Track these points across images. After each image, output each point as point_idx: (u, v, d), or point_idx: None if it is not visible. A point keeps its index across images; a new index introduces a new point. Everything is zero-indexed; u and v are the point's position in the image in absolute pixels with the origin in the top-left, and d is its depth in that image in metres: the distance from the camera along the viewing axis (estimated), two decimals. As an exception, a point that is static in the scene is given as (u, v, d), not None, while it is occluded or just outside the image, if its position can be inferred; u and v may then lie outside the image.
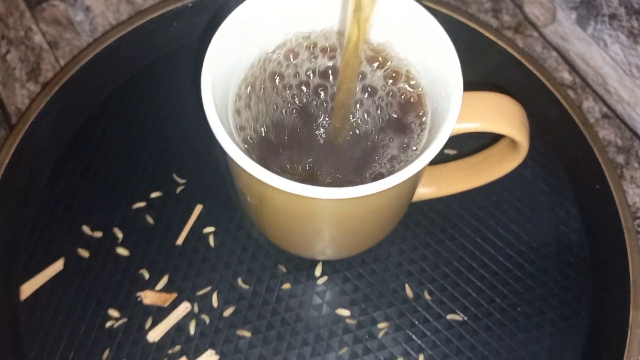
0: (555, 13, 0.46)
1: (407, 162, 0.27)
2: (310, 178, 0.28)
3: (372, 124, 0.30)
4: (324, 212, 0.27)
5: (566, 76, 0.44)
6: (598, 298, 0.36)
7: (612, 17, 0.46)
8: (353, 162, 0.28)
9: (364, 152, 0.29)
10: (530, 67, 0.41)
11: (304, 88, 0.30)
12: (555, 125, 0.40)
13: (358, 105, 0.30)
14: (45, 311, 0.35)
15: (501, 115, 0.29)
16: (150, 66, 0.43)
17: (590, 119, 0.42)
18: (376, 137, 0.29)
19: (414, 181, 0.29)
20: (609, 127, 0.42)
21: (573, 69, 0.44)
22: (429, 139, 0.28)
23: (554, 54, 0.44)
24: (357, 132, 0.29)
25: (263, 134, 0.29)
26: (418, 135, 0.30)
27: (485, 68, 0.43)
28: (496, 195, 0.39)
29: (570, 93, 0.43)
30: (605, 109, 0.43)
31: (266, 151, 0.28)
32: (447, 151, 0.40)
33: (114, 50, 0.42)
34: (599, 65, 0.44)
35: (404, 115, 0.30)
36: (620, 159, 0.41)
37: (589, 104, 0.43)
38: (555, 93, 0.40)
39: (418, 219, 0.38)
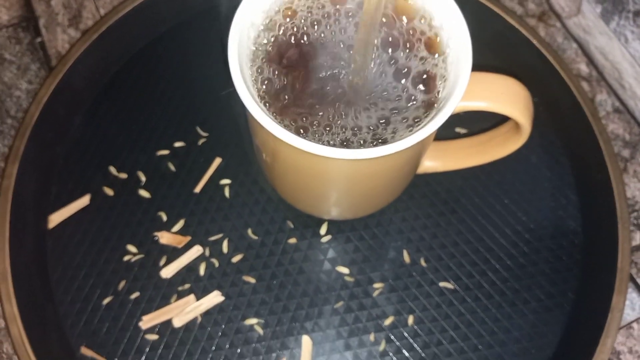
0: (581, 5, 0.47)
1: (416, 130, 0.29)
2: (323, 131, 0.30)
3: (389, 85, 0.31)
4: (328, 170, 0.30)
5: (583, 68, 0.45)
6: (585, 281, 0.38)
7: (637, 14, 0.47)
8: (366, 120, 0.30)
9: (377, 111, 0.30)
10: (548, 56, 0.42)
11: (328, 40, 0.31)
12: (566, 114, 0.42)
13: (378, 64, 0.31)
14: (70, 240, 0.38)
15: (508, 97, 0.31)
16: (185, 22, 0.45)
17: (602, 111, 0.44)
18: (392, 99, 0.31)
19: (416, 151, 0.31)
20: (619, 122, 0.43)
21: (591, 61, 0.45)
22: (438, 111, 0.30)
23: (574, 45, 0.46)
24: (373, 91, 0.31)
25: (281, 86, 0.30)
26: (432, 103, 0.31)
27: (505, 52, 0.44)
28: (500, 175, 0.41)
29: (585, 85, 0.44)
30: (617, 104, 0.44)
31: (282, 102, 0.30)
32: (458, 129, 0.42)
33: (152, 4, 0.45)
34: (618, 60, 0.45)
35: (423, 83, 0.31)
36: (626, 153, 0.43)
37: (602, 97, 0.44)
38: (569, 83, 0.42)
39: (423, 191, 0.40)
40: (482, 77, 0.31)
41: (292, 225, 0.39)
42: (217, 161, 0.41)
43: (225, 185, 0.40)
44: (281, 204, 0.40)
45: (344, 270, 0.38)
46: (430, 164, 0.37)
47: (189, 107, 0.43)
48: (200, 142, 0.41)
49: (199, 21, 0.46)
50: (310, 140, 0.27)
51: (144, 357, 0.36)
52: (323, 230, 0.39)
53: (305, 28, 0.32)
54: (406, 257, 0.38)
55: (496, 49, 0.44)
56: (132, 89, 0.43)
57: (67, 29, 0.46)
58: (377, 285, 0.38)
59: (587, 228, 0.39)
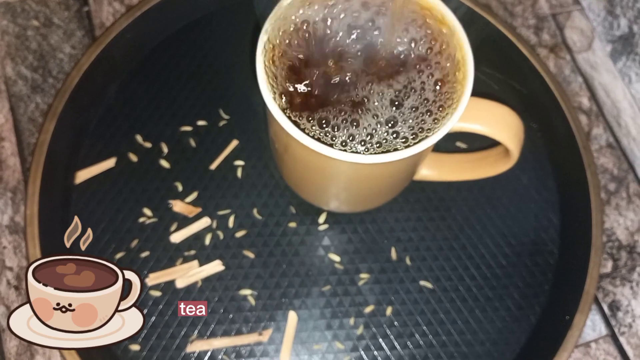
0: (593, 42, 0.50)
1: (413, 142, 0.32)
2: (332, 128, 0.33)
3: (400, 93, 0.34)
4: (330, 167, 0.33)
5: (585, 102, 0.48)
6: (553, 298, 0.41)
7: (644, 57, 0.49)
8: (374, 123, 0.33)
9: (384, 115, 0.33)
10: (552, 87, 0.45)
11: (350, 37, 0.34)
12: (560, 142, 0.45)
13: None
14: (93, 197, 0.42)
15: (501, 124, 0.34)
16: (222, 9, 0.49)
17: (596, 145, 0.47)
18: (400, 107, 0.34)
19: (412, 162, 0.35)
20: (610, 156, 0.46)
21: (593, 96, 0.48)
22: (436, 129, 0.33)
23: (580, 79, 0.49)
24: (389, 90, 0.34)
25: (300, 80, 0.33)
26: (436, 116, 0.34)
27: (513, 78, 0.47)
28: (491, 190, 0.44)
29: (584, 118, 0.47)
30: (611, 139, 0.47)
31: (298, 97, 0.33)
32: (458, 143, 0.45)
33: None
34: (619, 99, 0.48)
35: (430, 97, 0.34)
36: (612, 186, 0.46)
37: (598, 131, 0.47)
38: (567, 115, 0.45)
39: (418, 196, 0.44)
40: (481, 103, 0.34)
41: (294, 211, 0.43)
42: (234, 143, 0.44)
43: (238, 166, 0.44)
44: (287, 191, 0.43)
45: (335, 258, 0.42)
46: (426, 173, 0.40)
47: (215, 90, 0.46)
48: (221, 123, 0.45)
49: (236, 10, 0.49)
50: (319, 134, 0.30)
51: (146, 310, 0.40)
52: (322, 219, 0.43)
53: (329, 25, 0.35)
54: (393, 254, 0.42)
55: (506, 73, 0.47)
56: (166, 66, 0.47)
57: (112, 1, 0.49)
58: (363, 275, 0.41)
59: (563, 250, 0.43)
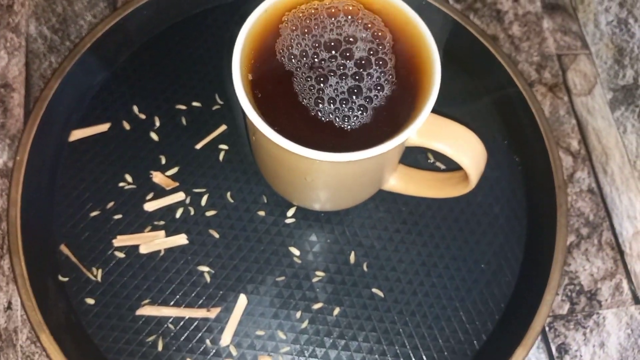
0: (594, 88, 0.50)
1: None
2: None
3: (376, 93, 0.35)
4: (295, 163, 0.34)
5: (574, 144, 0.48)
6: (500, 328, 0.42)
7: (644, 110, 0.49)
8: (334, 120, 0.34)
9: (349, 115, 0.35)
10: (540, 125, 0.46)
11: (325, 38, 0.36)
12: (538, 179, 0.45)
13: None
14: (83, 156, 0.45)
15: (465, 149, 0.35)
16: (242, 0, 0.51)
17: (577, 187, 0.47)
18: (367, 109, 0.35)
19: (371, 166, 0.35)
20: (589, 202, 0.46)
21: (584, 140, 0.48)
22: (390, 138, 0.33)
23: (574, 121, 0.49)
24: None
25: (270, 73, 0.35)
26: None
27: (504, 109, 0.48)
28: (460, 213, 0.45)
29: (570, 160, 0.48)
30: (593, 185, 0.47)
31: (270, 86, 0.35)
32: (438, 164, 0.46)
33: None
34: (610, 146, 0.48)
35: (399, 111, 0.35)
36: (585, 231, 0.46)
37: (582, 174, 0.47)
38: (550, 154, 0.45)
39: (388, 206, 0.45)
40: (450, 125, 0.35)
41: (265, 200, 0.44)
42: (222, 127, 0.46)
43: (222, 149, 0.46)
44: (262, 180, 0.45)
45: (296, 251, 0.43)
46: (395, 184, 0.41)
47: (215, 76, 0.48)
48: (214, 107, 0.47)
49: (253, 2, 0.51)
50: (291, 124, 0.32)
51: (108, 268, 0.42)
52: (290, 212, 0.44)
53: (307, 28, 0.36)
54: (352, 258, 0.43)
55: (499, 103, 0.48)
56: (176, 46, 0.49)
57: (139, -21, 0.52)
58: (318, 273, 0.42)
59: (520, 284, 0.43)
